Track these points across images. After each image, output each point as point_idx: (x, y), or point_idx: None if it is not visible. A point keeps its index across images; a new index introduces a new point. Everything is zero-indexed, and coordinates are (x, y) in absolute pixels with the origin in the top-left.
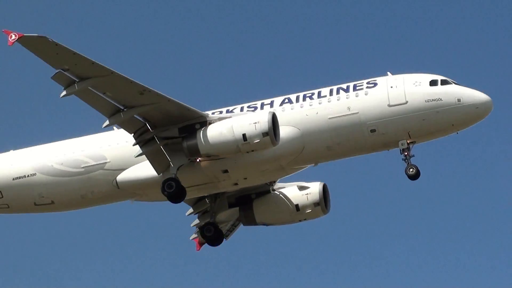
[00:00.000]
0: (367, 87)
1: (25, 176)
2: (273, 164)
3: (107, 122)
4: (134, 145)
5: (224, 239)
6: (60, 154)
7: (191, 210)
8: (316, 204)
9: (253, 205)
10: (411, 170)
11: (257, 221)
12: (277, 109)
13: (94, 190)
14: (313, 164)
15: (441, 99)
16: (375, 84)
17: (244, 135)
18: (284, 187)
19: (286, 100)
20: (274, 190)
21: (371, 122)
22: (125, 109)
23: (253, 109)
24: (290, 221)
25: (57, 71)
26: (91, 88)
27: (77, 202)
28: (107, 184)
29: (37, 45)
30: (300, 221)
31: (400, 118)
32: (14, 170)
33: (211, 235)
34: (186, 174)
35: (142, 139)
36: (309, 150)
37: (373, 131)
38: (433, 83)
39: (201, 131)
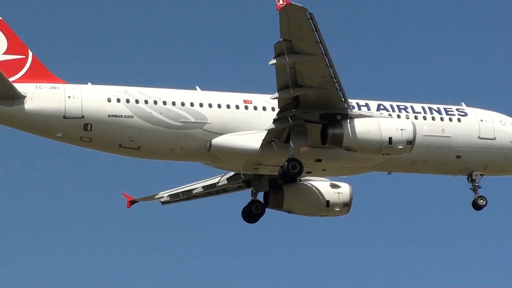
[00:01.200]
0: (458, 114)
1: (122, 116)
2: (359, 164)
3: (276, 95)
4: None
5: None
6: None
7: (224, 181)
8: (345, 204)
9: (284, 191)
10: (481, 201)
11: (284, 207)
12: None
13: (184, 146)
14: (388, 172)
15: None
16: (466, 114)
17: (390, 138)
18: (314, 181)
19: (382, 107)
20: (301, 180)
21: (460, 148)
22: (295, 87)
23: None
24: (315, 214)
25: (280, 40)
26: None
27: (163, 154)
28: (200, 143)
29: (294, 14)
30: (322, 216)
31: (486, 151)
32: (111, 106)
33: (259, 212)
34: (279, 154)
35: (282, 116)
36: (395, 160)
37: (458, 157)
38: None
39: (348, 124)
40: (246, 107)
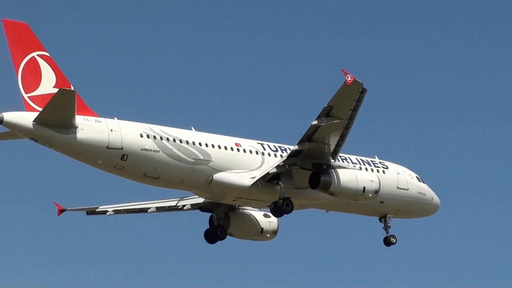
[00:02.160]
0: (382, 167)
1: (151, 150)
2: (317, 203)
3: (296, 148)
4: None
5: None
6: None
7: (189, 206)
8: (274, 232)
9: (230, 217)
10: (392, 239)
11: (228, 230)
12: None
13: (192, 179)
14: (326, 211)
15: (424, 194)
16: (387, 167)
17: (364, 188)
18: (250, 209)
19: (344, 157)
20: (239, 209)
21: (384, 195)
22: (309, 141)
23: None
24: (250, 238)
25: (326, 105)
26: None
27: (175, 184)
28: (204, 178)
29: (354, 89)
30: (254, 240)
31: (400, 199)
32: (143, 141)
33: (223, 235)
34: (261, 191)
35: (286, 163)
36: (339, 202)
37: (382, 202)
38: (418, 179)
39: (335, 173)
40: (238, 150)
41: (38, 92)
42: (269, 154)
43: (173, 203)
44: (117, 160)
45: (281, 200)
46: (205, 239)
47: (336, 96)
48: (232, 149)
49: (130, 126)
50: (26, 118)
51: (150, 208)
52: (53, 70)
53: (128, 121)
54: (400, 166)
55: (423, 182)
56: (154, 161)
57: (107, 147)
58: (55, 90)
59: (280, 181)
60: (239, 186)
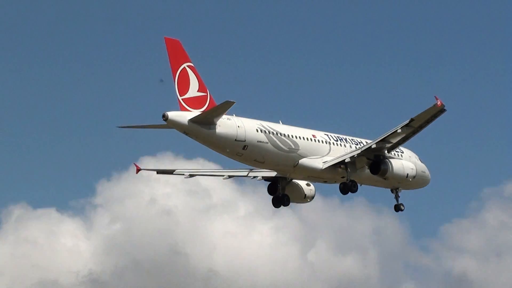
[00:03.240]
0: (400, 152)
1: (263, 142)
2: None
3: (374, 145)
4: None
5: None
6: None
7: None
8: (312, 197)
9: (286, 187)
10: (402, 206)
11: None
12: None
13: (285, 163)
14: (360, 184)
15: (424, 172)
16: (403, 152)
17: (407, 174)
18: (298, 181)
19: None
20: (292, 180)
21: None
22: (383, 141)
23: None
24: (295, 202)
25: (411, 119)
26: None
27: (272, 166)
28: (292, 163)
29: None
30: (297, 203)
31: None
32: (258, 135)
33: (287, 204)
34: (328, 173)
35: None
36: (378, 180)
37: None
38: (419, 159)
39: (389, 163)
40: (314, 140)
41: (188, 95)
42: (333, 143)
43: (244, 173)
44: (239, 149)
45: (350, 182)
46: (273, 204)
47: (424, 114)
48: (310, 139)
49: (249, 122)
50: (184, 116)
51: (224, 175)
52: (196, 77)
53: (246, 118)
54: (405, 148)
55: (422, 162)
56: (264, 150)
57: (235, 140)
58: (199, 94)
59: (346, 165)
60: (314, 169)
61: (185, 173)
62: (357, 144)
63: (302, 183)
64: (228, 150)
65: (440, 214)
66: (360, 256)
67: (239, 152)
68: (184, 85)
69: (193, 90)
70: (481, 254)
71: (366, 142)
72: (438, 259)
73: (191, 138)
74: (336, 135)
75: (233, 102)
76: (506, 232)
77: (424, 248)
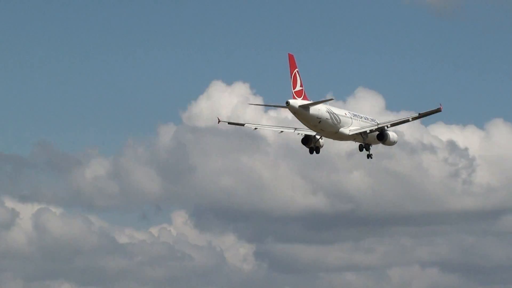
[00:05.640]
0: (371, 119)
1: (327, 119)
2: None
3: (389, 125)
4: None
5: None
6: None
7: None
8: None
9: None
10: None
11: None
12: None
13: (333, 131)
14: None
15: (395, 133)
16: (374, 119)
17: (395, 141)
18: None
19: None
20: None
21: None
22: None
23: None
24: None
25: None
26: None
27: (326, 133)
28: (335, 130)
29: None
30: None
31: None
32: (327, 115)
33: (318, 152)
34: (351, 137)
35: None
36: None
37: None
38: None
39: (389, 134)
40: (345, 116)
41: (296, 89)
42: (353, 118)
43: (291, 130)
44: (317, 123)
45: (367, 144)
46: (309, 152)
47: (428, 112)
48: (344, 116)
49: (322, 107)
50: (296, 103)
51: (282, 130)
52: (300, 78)
53: (319, 104)
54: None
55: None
56: (326, 124)
57: (317, 117)
58: (300, 88)
59: (362, 134)
60: (346, 134)
61: (252, 127)
62: (366, 119)
63: (321, 140)
64: (311, 123)
65: None
66: None
67: (317, 125)
68: (294, 83)
69: (298, 86)
70: None
71: (369, 118)
72: None
73: (295, 115)
74: (352, 112)
75: (331, 99)
76: None
77: None
